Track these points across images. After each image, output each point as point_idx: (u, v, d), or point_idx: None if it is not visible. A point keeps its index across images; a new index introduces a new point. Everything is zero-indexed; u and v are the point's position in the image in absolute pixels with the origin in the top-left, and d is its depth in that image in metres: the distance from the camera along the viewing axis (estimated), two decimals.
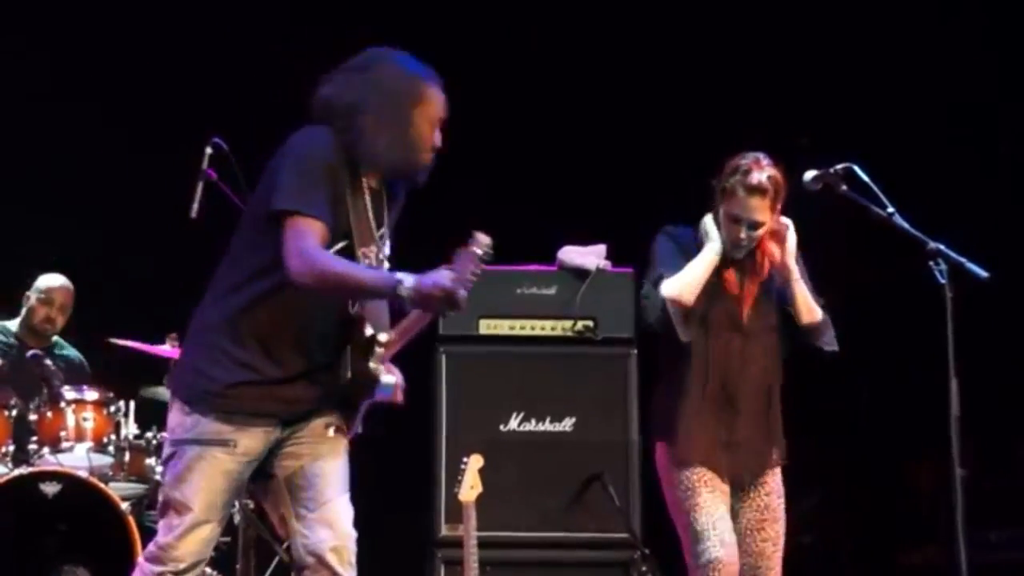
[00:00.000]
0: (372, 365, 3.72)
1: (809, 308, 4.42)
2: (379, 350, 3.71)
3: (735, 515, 4.42)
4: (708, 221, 4.41)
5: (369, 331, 3.73)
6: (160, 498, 3.77)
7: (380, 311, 3.82)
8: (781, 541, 4.44)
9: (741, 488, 4.43)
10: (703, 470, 4.37)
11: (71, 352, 6.78)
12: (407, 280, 3.55)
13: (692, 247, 4.45)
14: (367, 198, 3.79)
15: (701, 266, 4.36)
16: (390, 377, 3.76)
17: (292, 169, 3.67)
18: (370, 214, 3.80)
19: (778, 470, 4.49)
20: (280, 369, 3.70)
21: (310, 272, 3.57)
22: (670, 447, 4.45)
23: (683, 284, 4.36)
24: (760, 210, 4.33)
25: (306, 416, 3.77)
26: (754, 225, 4.34)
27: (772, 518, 4.44)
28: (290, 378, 3.72)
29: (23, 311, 6.70)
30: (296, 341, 3.71)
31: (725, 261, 4.42)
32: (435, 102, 3.83)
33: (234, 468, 3.71)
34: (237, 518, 5.82)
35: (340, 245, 3.69)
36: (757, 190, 4.32)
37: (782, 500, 4.47)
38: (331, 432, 3.79)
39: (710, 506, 4.33)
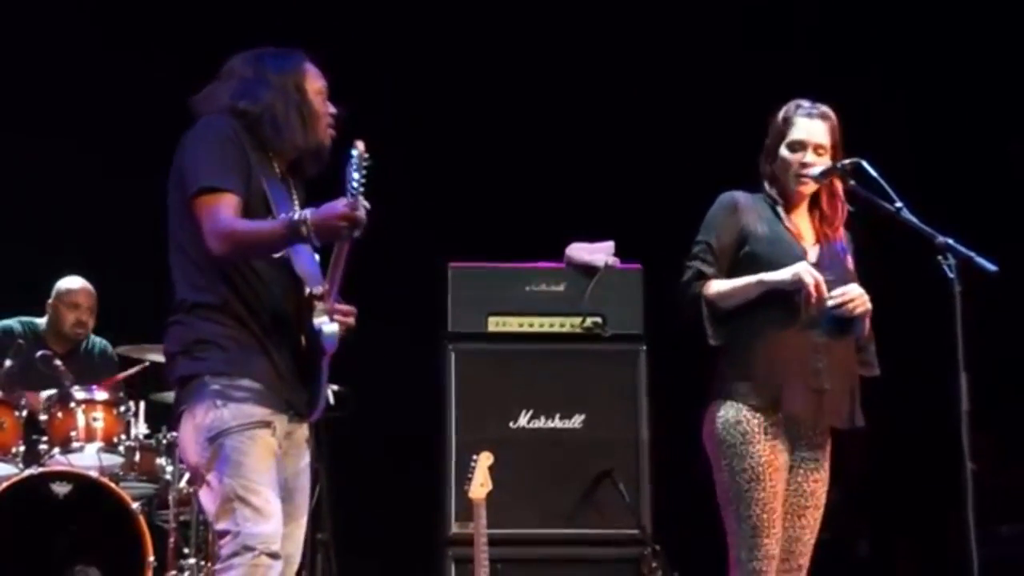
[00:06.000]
0: (315, 320, 3.68)
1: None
2: (319, 304, 3.69)
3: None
4: (802, 268, 4.16)
5: (307, 290, 3.72)
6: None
7: (311, 264, 3.77)
8: (817, 527, 4.29)
9: (797, 454, 4.24)
10: (770, 452, 4.15)
11: (98, 341, 6.75)
12: (308, 216, 3.55)
13: (758, 204, 4.32)
14: (278, 181, 3.82)
15: (746, 286, 4.20)
16: (332, 326, 3.69)
17: (198, 149, 3.69)
18: (289, 194, 3.83)
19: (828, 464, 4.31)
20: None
21: (223, 244, 3.57)
22: (738, 400, 4.18)
23: (720, 294, 4.23)
24: (823, 134, 4.25)
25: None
26: (818, 149, 4.24)
27: (814, 505, 4.28)
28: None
29: (47, 317, 6.65)
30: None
31: (794, 212, 4.31)
32: (313, 73, 3.89)
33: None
34: None
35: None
36: (819, 115, 4.27)
37: (826, 489, 4.32)
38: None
39: (772, 501, 4.16)
